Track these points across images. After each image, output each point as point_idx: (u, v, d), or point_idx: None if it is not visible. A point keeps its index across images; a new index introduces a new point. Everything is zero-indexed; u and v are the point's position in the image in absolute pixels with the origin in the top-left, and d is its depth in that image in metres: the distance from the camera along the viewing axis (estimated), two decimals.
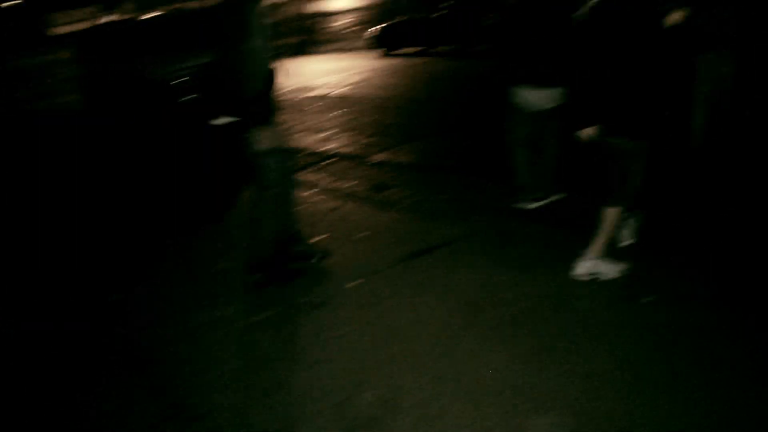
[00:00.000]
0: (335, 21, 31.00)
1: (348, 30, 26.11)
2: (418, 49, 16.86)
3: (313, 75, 14.88)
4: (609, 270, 3.78)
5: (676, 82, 3.50)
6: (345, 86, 12.55)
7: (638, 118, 3.51)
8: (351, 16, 31.77)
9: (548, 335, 3.26)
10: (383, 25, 17.84)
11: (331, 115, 9.69)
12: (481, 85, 10.10)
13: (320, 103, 10.94)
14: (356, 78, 13.49)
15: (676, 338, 3.12)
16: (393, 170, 6.40)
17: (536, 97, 4.65)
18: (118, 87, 9.65)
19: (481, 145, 6.91)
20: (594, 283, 3.72)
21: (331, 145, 7.69)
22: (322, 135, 8.30)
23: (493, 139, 5.67)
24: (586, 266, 3.79)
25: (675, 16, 3.45)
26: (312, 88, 12.68)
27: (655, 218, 4.28)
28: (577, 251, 3.82)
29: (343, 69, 15.50)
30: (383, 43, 17.66)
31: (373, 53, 17.86)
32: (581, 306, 3.53)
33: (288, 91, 12.36)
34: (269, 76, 3.77)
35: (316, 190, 6.00)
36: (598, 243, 3.77)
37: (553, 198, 5.01)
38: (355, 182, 6.13)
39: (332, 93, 11.92)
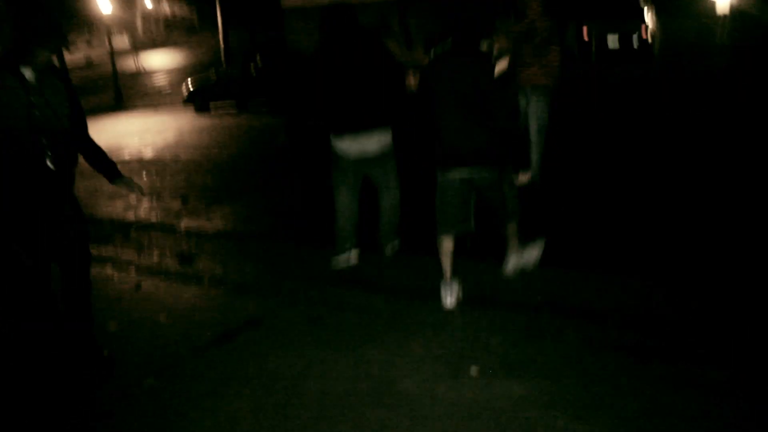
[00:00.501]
0: (152, 79, 29.84)
1: (164, 87, 25.02)
2: (230, 104, 16.51)
3: (122, 134, 13.87)
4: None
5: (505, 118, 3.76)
6: (153, 146, 11.74)
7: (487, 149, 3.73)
8: (168, 74, 30.77)
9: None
10: (192, 84, 17.25)
11: (135, 178, 8.89)
12: (295, 139, 9.82)
13: (126, 166, 10.06)
14: (167, 136, 12.71)
15: (513, 414, 2.87)
16: (201, 238, 5.82)
17: (358, 144, 4.34)
18: None
19: (295, 204, 6.56)
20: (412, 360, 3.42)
21: (134, 213, 6.95)
22: (125, 201, 7.52)
23: (308, 196, 5.35)
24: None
25: (502, 65, 4.06)
26: (118, 149, 11.72)
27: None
28: (397, 320, 3.52)
29: (153, 127, 14.64)
30: (195, 100, 17.04)
31: (187, 110, 17.16)
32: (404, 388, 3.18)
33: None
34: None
35: (115, 264, 5.28)
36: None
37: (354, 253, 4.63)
38: (160, 254, 5.48)
39: (139, 154, 11.07)
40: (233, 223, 6.19)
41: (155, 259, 5.39)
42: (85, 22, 39.21)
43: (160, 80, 28.58)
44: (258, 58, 15.73)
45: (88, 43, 43.55)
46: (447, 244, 3.92)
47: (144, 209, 7.04)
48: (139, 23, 51.04)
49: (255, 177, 8.08)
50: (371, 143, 4.33)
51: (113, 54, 23.25)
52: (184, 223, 6.35)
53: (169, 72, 31.64)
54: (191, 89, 17.10)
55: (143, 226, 6.40)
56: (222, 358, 3.58)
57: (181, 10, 47.47)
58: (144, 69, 35.06)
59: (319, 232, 5.18)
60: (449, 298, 3.88)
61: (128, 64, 37.26)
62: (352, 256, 4.65)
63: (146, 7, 47.13)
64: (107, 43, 23.71)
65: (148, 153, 11.08)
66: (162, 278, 4.93)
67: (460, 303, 3.90)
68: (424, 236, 4.43)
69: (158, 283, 4.82)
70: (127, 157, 10.82)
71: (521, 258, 4.20)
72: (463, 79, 3.66)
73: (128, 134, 13.81)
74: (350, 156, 4.38)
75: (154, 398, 3.25)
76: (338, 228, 4.61)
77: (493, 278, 4.20)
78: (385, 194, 4.61)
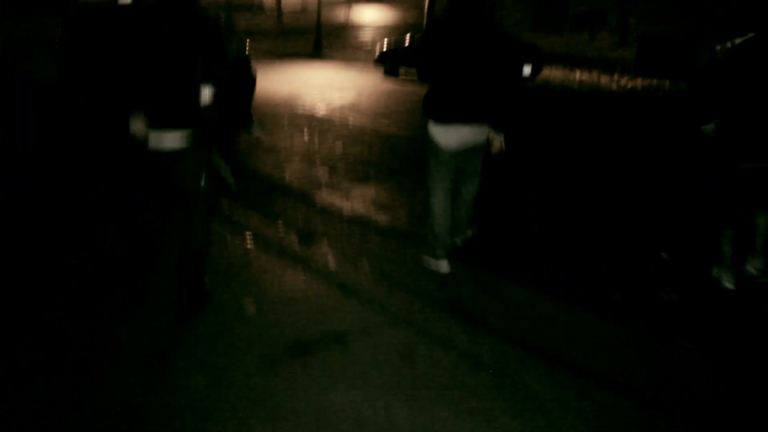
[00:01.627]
0: (357, 33, 30.33)
1: (364, 43, 25.21)
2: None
3: (305, 85, 13.99)
4: None
5: None
6: (329, 103, 11.63)
7: None
8: (373, 31, 31.11)
9: None
10: (386, 46, 17.03)
11: (296, 135, 8.76)
12: None
13: (294, 121, 10.01)
14: (346, 95, 12.56)
15: None
16: (331, 218, 5.42)
17: (461, 135, 4.10)
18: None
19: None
20: None
21: (278, 174, 6.73)
22: (277, 158, 7.36)
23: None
24: None
25: None
26: (294, 99, 11.76)
27: None
28: None
29: (338, 83, 14.62)
30: (385, 62, 16.82)
31: (377, 70, 17.02)
32: None
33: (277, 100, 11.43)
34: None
35: (234, 228, 5.04)
36: None
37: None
38: (284, 225, 5.16)
39: (312, 110, 10.99)
40: (370, 208, 5.72)
41: (276, 230, 5.07)
42: None
43: (364, 36, 28.95)
44: None
45: None
46: None
47: (290, 171, 6.80)
48: None
49: (414, 158, 7.56)
50: (475, 134, 4.12)
51: (320, 2, 23.71)
52: (321, 197, 6.00)
53: (375, 29, 32.00)
54: (383, 50, 16.91)
55: (279, 189, 6.14)
56: (275, 382, 3.08)
57: None
58: (351, 22, 35.82)
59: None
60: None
61: (339, 15, 38.33)
62: (443, 265, 4.34)
63: None
64: None
65: (321, 110, 10.98)
66: (274, 254, 4.58)
67: None
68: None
69: (267, 259, 4.48)
70: (299, 111, 10.79)
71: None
72: None
73: (311, 86, 13.90)
74: (451, 147, 4.11)
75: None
76: (433, 227, 4.33)
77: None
78: (468, 183, 4.43)
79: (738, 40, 3.82)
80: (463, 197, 4.47)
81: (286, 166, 7.00)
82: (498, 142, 4.15)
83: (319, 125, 9.53)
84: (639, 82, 15.20)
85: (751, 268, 4.24)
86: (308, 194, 6.07)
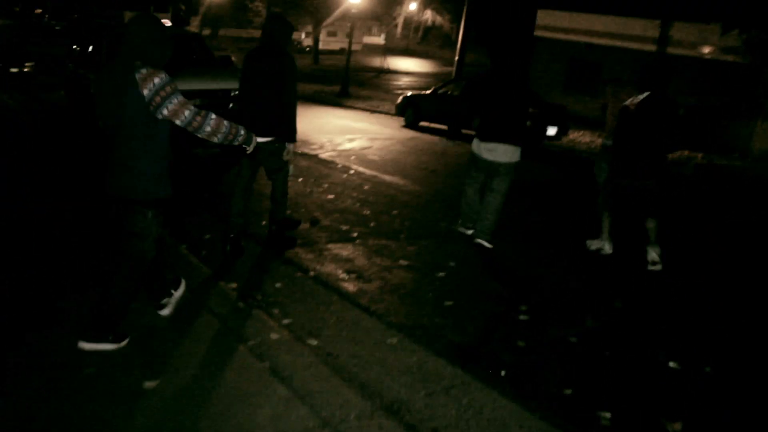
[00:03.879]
0: (386, 81, 30.17)
1: (390, 92, 24.89)
2: (443, 128, 15.21)
3: (318, 128, 13.53)
4: None
5: None
6: (332, 150, 11.08)
7: None
8: (403, 80, 30.94)
9: None
10: (408, 97, 16.53)
11: (296, 180, 8.19)
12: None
13: (295, 164, 9.47)
14: (356, 145, 12.00)
15: None
16: (286, 280, 4.78)
17: (494, 152, 5.94)
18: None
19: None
20: None
21: (257, 222, 6.13)
22: (259, 204, 6.77)
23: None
24: None
25: None
26: (303, 140, 11.26)
27: None
28: None
29: (351, 129, 14.13)
30: (405, 113, 16.32)
31: (398, 121, 16.53)
32: None
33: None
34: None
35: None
36: None
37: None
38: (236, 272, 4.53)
39: (314, 153, 10.46)
40: (339, 273, 5.07)
41: (225, 293, 4.43)
42: (348, 15, 41.13)
43: (394, 84, 28.75)
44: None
45: (349, 33, 45.75)
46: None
47: (267, 221, 6.19)
48: (399, 25, 52.71)
49: (409, 220, 6.90)
50: (505, 153, 5.83)
51: (350, 49, 23.56)
52: (290, 254, 5.38)
53: (407, 79, 31.84)
54: (404, 102, 16.46)
55: (249, 241, 5.53)
56: None
57: (442, 20, 47.96)
58: (386, 68, 35.88)
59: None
60: None
61: (375, 61, 38.43)
62: (470, 232, 6.30)
63: (409, 9, 48.16)
64: (355, 35, 24.03)
65: (326, 154, 10.45)
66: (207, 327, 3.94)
67: None
68: None
69: (197, 329, 3.83)
70: (304, 153, 10.26)
71: None
72: None
73: (325, 130, 13.43)
74: (486, 159, 5.91)
75: None
76: (464, 210, 6.37)
77: None
78: (491, 196, 5.97)
79: (639, 98, 5.56)
80: (486, 204, 6.00)
81: (266, 214, 6.40)
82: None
83: (318, 171, 8.96)
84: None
85: (653, 252, 5.79)
86: (277, 252, 5.45)
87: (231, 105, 8.87)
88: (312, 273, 5.02)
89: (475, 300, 4.78)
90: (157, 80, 3.14)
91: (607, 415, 3.34)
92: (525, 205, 7.93)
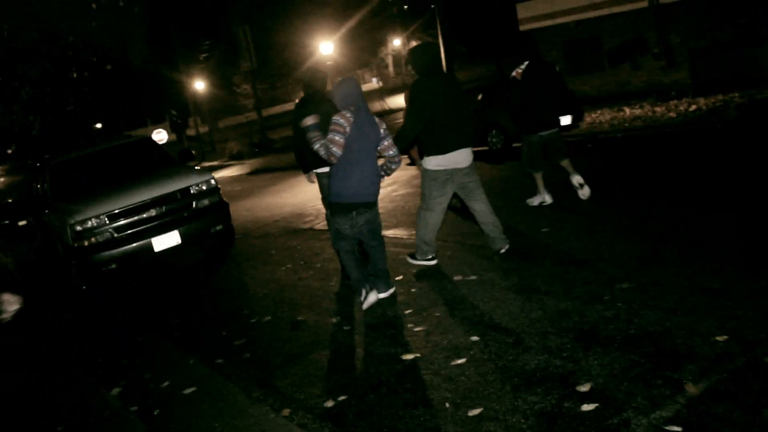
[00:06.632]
0: (393, 119, 29.23)
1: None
2: None
3: (317, 198, 12.39)
4: None
5: None
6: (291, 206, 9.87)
7: None
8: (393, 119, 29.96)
9: None
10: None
11: (284, 265, 6.96)
12: None
13: (286, 243, 8.28)
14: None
15: None
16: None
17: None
18: None
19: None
20: None
21: (234, 327, 4.90)
22: (237, 302, 5.56)
23: None
24: None
25: None
26: (297, 216, 10.08)
27: None
28: None
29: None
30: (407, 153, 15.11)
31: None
32: None
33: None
34: None
35: None
36: None
37: None
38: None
39: (311, 228, 9.25)
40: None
41: None
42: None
43: (396, 123, 27.75)
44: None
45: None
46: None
47: (241, 328, 4.95)
48: (390, 65, 52.18)
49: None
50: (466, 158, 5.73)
51: None
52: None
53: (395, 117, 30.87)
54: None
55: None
56: None
57: None
58: (389, 108, 35.22)
59: None
60: None
61: (375, 106, 37.68)
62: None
63: (394, 46, 47.53)
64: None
65: (320, 225, 9.22)
66: None
67: None
68: None
69: None
70: (297, 227, 9.08)
71: None
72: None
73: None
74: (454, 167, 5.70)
75: None
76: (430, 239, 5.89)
77: None
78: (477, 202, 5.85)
79: (523, 66, 6.79)
80: (484, 212, 5.83)
81: (250, 321, 5.15)
82: None
83: (310, 250, 7.75)
84: (702, 102, 12.83)
85: (575, 179, 6.95)
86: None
87: (194, 204, 7.78)
88: None
89: None
90: None
91: None
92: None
